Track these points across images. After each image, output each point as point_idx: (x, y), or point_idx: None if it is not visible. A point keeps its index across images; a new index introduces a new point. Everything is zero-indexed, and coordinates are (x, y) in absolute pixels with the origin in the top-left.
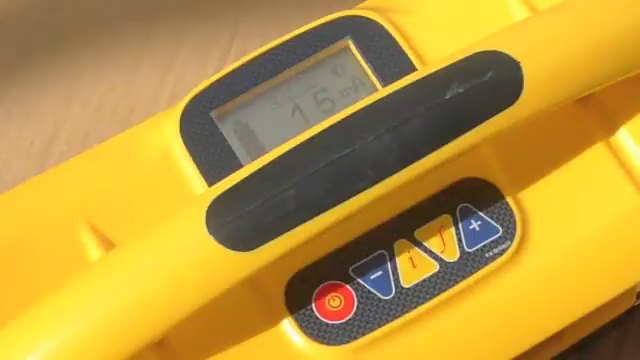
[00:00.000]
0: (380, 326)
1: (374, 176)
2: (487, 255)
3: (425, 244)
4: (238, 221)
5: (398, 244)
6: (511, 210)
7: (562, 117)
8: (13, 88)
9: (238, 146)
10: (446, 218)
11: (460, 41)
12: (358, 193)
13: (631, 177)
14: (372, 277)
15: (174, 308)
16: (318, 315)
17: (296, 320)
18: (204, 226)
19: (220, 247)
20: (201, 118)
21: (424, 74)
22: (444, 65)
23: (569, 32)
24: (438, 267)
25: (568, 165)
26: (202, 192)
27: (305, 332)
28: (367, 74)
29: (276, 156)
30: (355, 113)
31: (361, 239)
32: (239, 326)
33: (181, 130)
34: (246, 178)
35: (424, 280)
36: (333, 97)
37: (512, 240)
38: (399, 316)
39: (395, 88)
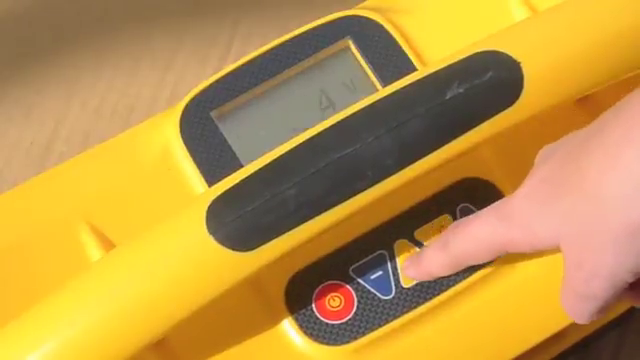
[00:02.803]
0: (380, 326)
1: (374, 176)
2: None
3: (425, 244)
4: (238, 221)
5: (398, 244)
6: None
7: (562, 117)
8: (13, 88)
9: (238, 146)
10: (446, 218)
11: (460, 41)
12: (358, 193)
13: None
14: (372, 277)
15: (174, 308)
16: (318, 315)
17: (296, 320)
18: (204, 226)
19: (220, 247)
20: (201, 118)
21: (424, 74)
22: (444, 65)
23: (569, 32)
24: None
25: None
26: (202, 192)
27: (305, 332)
28: (367, 74)
29: (276, 156)
30: (355, 113)
31: (361, 239)
32: (239, 326)
33: (181, 130)
34: (246, 178)
35: (424, 280)
36: (333, 97)
37: None
38: (399, 316)
39: (395, 88)
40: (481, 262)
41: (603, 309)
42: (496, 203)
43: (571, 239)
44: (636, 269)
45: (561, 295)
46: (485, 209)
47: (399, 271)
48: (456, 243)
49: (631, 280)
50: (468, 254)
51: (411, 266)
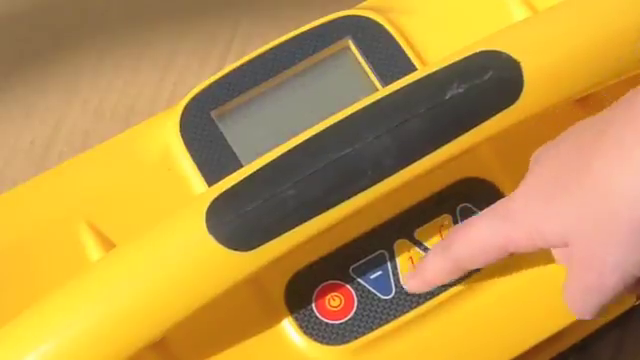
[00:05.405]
0: (380, 326)
1: (374, 176)
2: None
3: (425, 244)
4: (238, 221)
5: (398, 244)
6: None
7: (562, 117)
8: (13, 88)
9: (238, 146)
10: (446, 218)
11: (460, 41)
12: (358, 193)
13: None
14: (372, 277)
15: (174, 308)
16: (318, 315)
17: (296, 320)
18: (204, 226)
19: (220, 247)
20: (201, 118)
21: (424, 74)
22: (444, 65)
23: (569, 32)
24: None
25: None
26: (202, 192)
27: (305, 332)
28: (367, 74)
29: (276, 156)
30: (355, 113)
31: (361, 239)
32: (239, 326)
33: (181, 130)
34: (246, 178)
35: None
36: (333, 97)
37: None
38: (399, 316)
39: (395, 88)
40: (483, 265)
41: (609, 304)
42: (495, 204)
43: (580, 236)
44: None
45: (566, 291)
46: (484, 211)
47: (399, 271)
48: (457, 247)
49: None
50: (470, 258)
51: (414, 277)
